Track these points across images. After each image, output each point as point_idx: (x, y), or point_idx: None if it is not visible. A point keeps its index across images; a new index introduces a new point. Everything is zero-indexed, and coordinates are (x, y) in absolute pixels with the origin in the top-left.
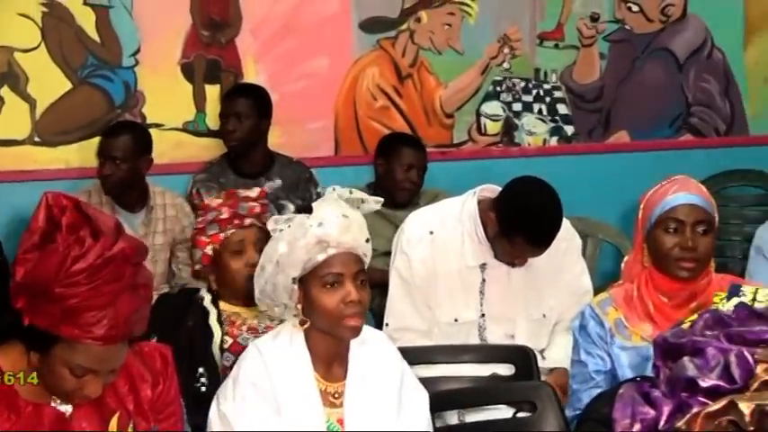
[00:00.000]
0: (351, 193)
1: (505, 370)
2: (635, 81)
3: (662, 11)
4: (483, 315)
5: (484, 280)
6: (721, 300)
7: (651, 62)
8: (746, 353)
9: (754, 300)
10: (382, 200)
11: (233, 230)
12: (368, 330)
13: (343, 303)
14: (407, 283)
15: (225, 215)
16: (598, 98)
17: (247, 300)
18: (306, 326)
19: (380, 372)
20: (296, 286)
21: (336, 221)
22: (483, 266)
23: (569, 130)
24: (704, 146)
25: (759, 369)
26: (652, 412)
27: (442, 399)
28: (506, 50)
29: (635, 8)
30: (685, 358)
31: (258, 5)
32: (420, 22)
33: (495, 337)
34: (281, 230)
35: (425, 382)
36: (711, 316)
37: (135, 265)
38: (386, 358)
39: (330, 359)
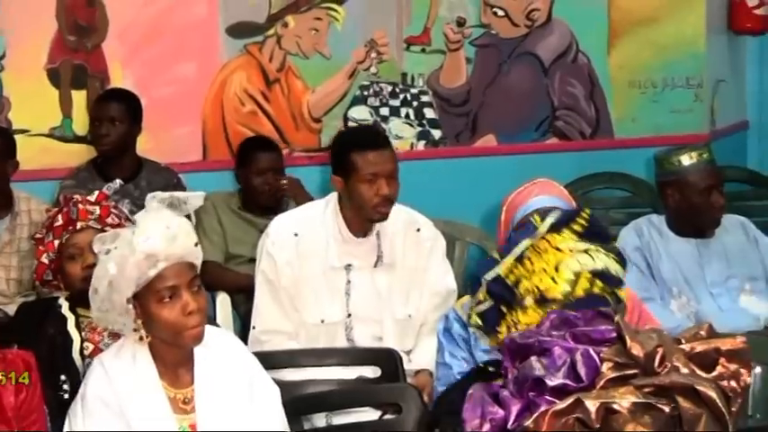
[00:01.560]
0: (169, 196)
1: (372, 373)
2: (501, 85)
3: (527, 15)
4: (349, 315)
5: (349, 281)
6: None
7: (517, 66)
8: (592, 351)
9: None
10: (204, 193)
11: (67, 236)
12: (210, 331)
13: (184, 315)
14: (273, 286)
15: (59, 222)
16: (465, 102)
17: None
18: (147, 340)
19: (228, 372)
20: (131, 306)
21: (162, 234)
22: (348, 267)
23: (437, 134)
24: (570, 149)
25: (605, 367)
26: (501, 412)
27: (309, 402)
28: (373, 55)
29: (501, 13)
30: (533, 358)
31: (125, 10)
32: (287, 27)
33: (363, 338)
34: (109, 251)
35: (292, 385)
36: (558, 316)
37: None
38: (232, 357)
39: (176, 366)
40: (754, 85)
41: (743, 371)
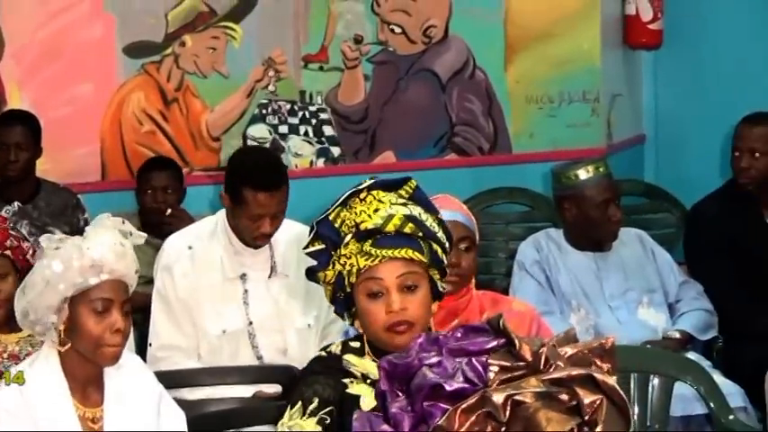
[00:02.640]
0: (123, 223)
1: (273, 390)
2: (399, 102)
3: (424, 32)
4: (251, 323)
5: (246, 290)
6: None
7: (415, 83)
8: (475, 361)
9: None
10: (146, 235)
11: None
12: (123, 354)
13: (109, 331)
14: (169, 302)
15: None
16: (363, 119)
17: (5, 326)
18: (66, 347)
19: (137, 393)
20: (66, 305)
21: (113, 248)
22: (243, 277)
23: (336, 151)
24: (468, 165)
25: (492, 374)
26: (390, 430)
27: (207, 420)
28: (271, 73)
29: (398, 30)
30: (424, 368)
31: (21, 30)
32: (185, 47)
33: (268, 350)
34: (58, 247)
35: (193, 404)
36: (425, 339)
37: None
38: (141, 381)
39: (86, 384)
40: (650, 99)
41: (614, 373)
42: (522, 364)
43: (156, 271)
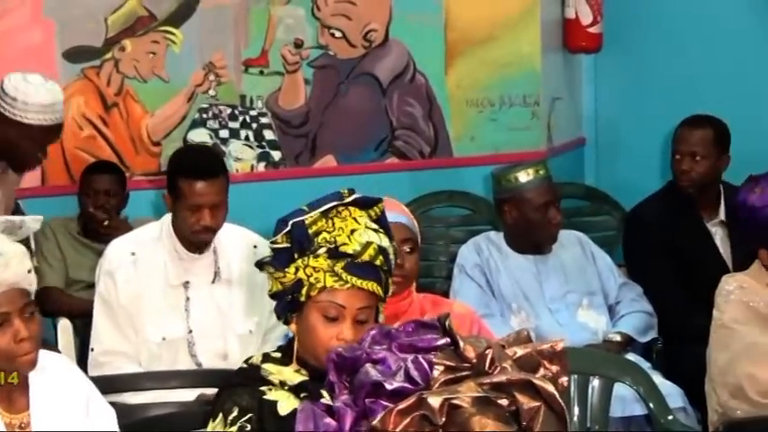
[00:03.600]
0: (5, 221)
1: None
2: (340, 106)
3: (364, 36)
4: (191, 331)
5: (188, 298)
6: None
7: (355, 87)
8: (421, 359)
9: None
10: (41, 217)
11: None
12: (45, 355)
13: (15, 342)
14: (111, 307)
15: None
16: (304, 123)
17: None
18: None
19: (64, 395)
20: None
21: None
22: (186, 284)
23: (276, 155)
24: (409, 168)
25: (436, 372)
26: (334, 423)
27: (151, 424)
28: (212, 78)
29: (338, 34)
30: (368, 365)
31: None
32: (124, 51)
33: (207, 356)
34: None
35: (135, 408)
36: (378, 331)
37: None
38: (68, 381)
39: (10, 391)
40: (590, 102)
41: (563, 376)
42: (466, 365)
43: (98, 276)
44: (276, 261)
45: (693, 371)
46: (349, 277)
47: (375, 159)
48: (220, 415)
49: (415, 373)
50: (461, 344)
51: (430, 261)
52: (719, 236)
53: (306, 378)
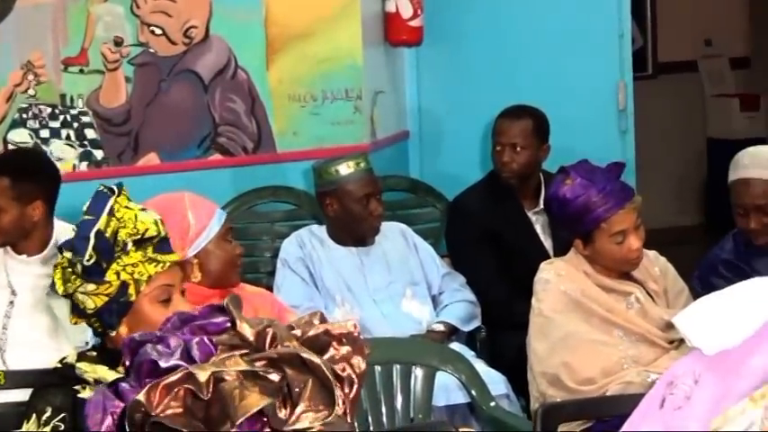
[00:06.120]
0: None
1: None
2: (162, 103)
3: (185, 33)
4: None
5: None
6: None
7: (177, 84)
8: (207, 340)
9: None
10: None
11: None
12: None
13: None
14: None
15: None
16: (126, 121)
17: None
18: None
19: None
20: None
21: None
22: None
23: (99, 154)
24: (233, 164)
25: (218, 351)
26: (121, 404)
27: None
28: (31, 77)
29: (158, 31)
30: (148, 345)
31: None
32: None
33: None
34: None
35: None
36: (178, 317)
37: None
38: None
39: None
40: (413, 95)
41: (356, 356)
42: (245, 343)
43: None
44: (91, 277)
45: (516, 359)
46: (163, 257)
47: (198, 156)
48: (34, 416)
49: (196, 353)
50: (238, 323)
51: (255, 257)
52: (540, 224)
53: (121, 375)
